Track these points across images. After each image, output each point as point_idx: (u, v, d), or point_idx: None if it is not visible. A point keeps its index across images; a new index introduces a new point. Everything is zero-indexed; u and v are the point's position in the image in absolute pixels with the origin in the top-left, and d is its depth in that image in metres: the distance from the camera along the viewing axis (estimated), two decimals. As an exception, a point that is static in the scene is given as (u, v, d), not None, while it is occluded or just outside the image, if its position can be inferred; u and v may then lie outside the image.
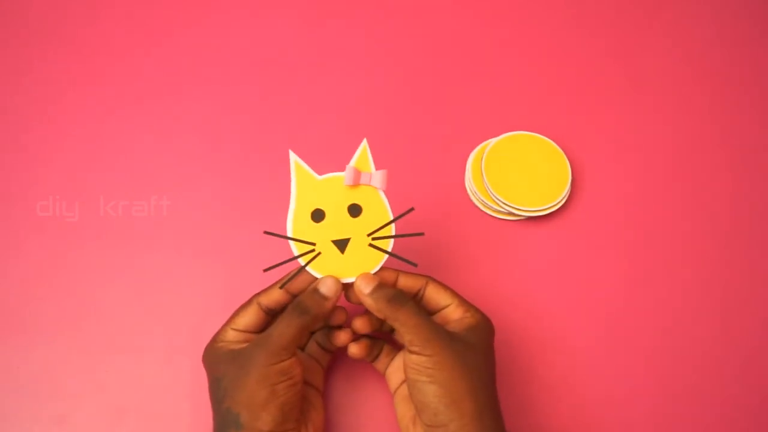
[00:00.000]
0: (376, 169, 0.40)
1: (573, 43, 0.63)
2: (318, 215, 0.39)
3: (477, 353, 0.38)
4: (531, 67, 0.61)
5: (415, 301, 0.40)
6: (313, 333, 0.44)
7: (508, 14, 0.64)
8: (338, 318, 0.41)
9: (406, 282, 0.41)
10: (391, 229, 0.40)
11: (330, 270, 0.39)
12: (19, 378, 0.46)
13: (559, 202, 0.52)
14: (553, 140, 0.55)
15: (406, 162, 0.55)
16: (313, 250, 0.38)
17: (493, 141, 0.54)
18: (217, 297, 0.49)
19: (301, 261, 0.38)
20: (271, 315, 0.40)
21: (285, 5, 0.63)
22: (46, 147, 0.55)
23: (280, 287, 0.39)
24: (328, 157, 0.55)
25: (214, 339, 0.39)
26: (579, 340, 0.49)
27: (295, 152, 0.39)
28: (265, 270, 0.38)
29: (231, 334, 0.39)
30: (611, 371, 0.48)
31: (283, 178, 0.54)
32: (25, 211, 0.52)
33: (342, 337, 0.41)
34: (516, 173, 0.53)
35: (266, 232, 0.38)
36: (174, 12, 0.62)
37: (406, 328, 0.37)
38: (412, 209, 0.39)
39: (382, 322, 0.41)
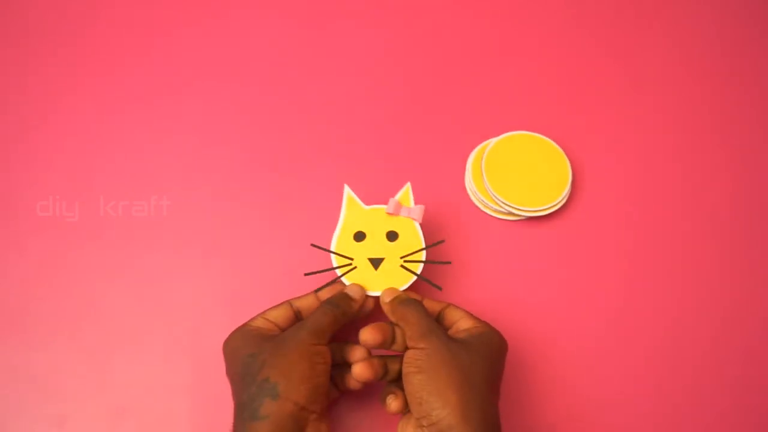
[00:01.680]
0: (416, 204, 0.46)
1: (573, 43, 0.63)
2: (359, 236, 0.45)
3: (474, 356, 0.38)
4: (531, 67, 0.61)
5: (423, 305, 0.42)
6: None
7: (508, 14, 0.64)
8: (368, 305, 0.44)
9: (428, 304, 0.43)
10: (422, 256, 0.45)
11: (362, 282, 0.44)
12: (19, 378, 0.46)
13: (559, 202, 0.52)
14: (553, 140, 0.55)
15: (407, 162, 0.55)
16: (350, 264, 0.44)
17: (493, 141, 0.54)
18: (217, 297, 0.49)
19: (338, 272, 0.44)
20: (298, 318, 0.43)
21: (285, 5, 0.63)
22: (46, 147, 0.55)
23: (316, 291, 0.44)
24: (328, 156, 0.55)
25: (243, 324, 0.41)
26: (579, 340, 0.49)
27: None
28: (306, 274, 0.43)
29: (260, 321, 0.41)
30: (611, 371, 0.48)
31: (283, 178, 0.54)
32: (25, 211, 0.52)
33: (357, 353, 0.42)
34: (516, 173, 0.53)
35: (313, 245, 0.45)
36: (174, 12, 0.62)
37: (408, 324, 0.40)
38: (442, 241, 0.46)
39: (391, 339, 0.41)
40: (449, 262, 0.46)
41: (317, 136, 0.56)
